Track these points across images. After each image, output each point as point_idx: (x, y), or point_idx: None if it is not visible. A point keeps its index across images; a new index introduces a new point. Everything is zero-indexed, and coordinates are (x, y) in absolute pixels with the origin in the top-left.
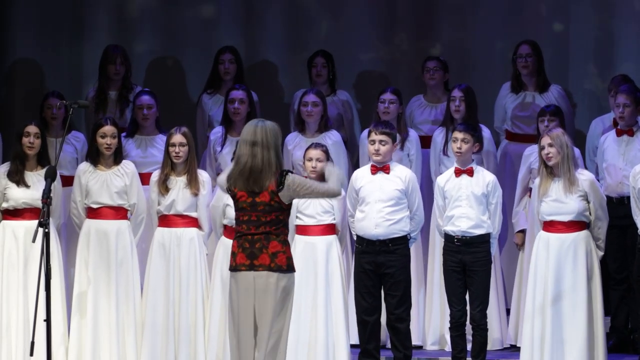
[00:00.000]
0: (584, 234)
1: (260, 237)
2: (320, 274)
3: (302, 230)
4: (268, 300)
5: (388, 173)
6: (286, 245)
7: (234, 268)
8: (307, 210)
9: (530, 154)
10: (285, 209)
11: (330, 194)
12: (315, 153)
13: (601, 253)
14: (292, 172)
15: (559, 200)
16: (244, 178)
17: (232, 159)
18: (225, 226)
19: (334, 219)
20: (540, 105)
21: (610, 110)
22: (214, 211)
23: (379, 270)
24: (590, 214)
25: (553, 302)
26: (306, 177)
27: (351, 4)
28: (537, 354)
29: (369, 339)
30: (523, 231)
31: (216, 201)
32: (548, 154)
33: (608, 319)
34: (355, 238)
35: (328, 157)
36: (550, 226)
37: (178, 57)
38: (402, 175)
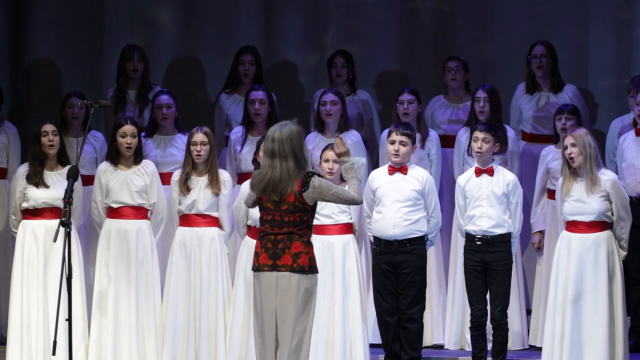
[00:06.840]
0: (605, 234)
1: (283, 237)
2: (338, 273)
3: (319, 229)
4: (290, 300)
5: (405, 174)
6: (309, 246)
7: (257, 268)
8: (324, 210)
9: (547, 153)
10: (309, 210)
11: (352, 203)
12: (332, 154)
13: (624, 253)
14: (318, 175)
15: (580, 200)
16: (263, 188)
17: (252, 160)
18: (249, 227)
19: (351, 218)
20: (555, 106)
21: (630, 110)
22: (236, 212)
23: (397, 270)
24: (612, 214)
25: (573, 301)
26: (326, 176)
27: (371, 3)
28: (557, 353)
29: (393, 339)
30: (542, 232)
31: (239, 202)
32: (571, 154)
33: (628, 318)
34: (372, 239)
35: None
36: (572, 226)
37: (198, 56)
38: (419, 176)
